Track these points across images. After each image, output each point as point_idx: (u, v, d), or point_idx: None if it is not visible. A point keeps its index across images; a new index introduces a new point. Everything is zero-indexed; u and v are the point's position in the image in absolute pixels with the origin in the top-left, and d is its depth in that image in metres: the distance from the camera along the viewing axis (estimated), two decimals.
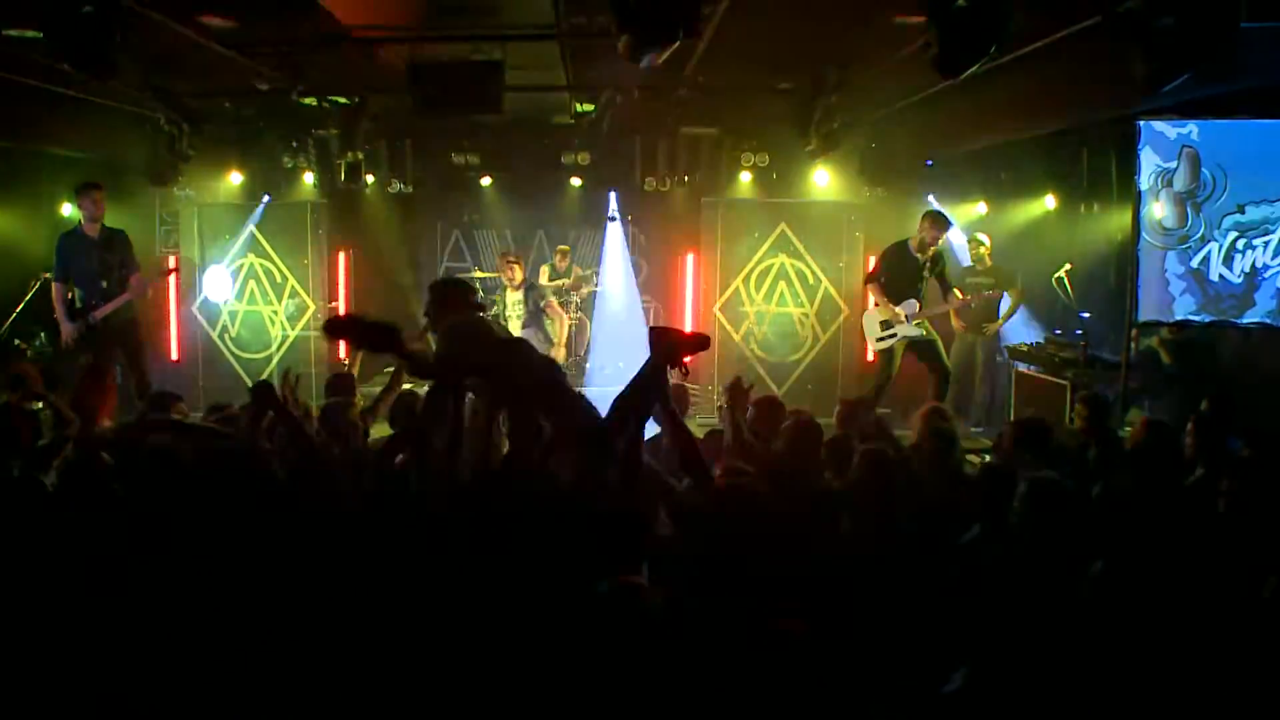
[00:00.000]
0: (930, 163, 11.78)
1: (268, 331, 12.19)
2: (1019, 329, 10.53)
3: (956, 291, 9.47)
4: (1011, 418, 9.64)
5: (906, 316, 9.14)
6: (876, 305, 9.54)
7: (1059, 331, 9.94)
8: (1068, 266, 9.06)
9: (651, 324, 4.83)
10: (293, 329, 12.11)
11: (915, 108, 9.71)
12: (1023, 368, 9.59)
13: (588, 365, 12.95)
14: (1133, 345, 8.48)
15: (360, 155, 11.24)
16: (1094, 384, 8.31)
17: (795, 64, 8.56)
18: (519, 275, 9.45)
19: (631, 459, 4.12)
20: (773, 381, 11.67)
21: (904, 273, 9.24)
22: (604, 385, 12.06)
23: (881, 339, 9.42)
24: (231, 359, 12.21)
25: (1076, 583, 4.16)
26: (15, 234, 11.31)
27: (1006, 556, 4.52)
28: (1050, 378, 9.00)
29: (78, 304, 8.81)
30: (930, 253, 9.15)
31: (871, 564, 4.81)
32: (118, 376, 8.84)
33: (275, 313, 12.18)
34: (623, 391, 4.33)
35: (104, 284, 8.77)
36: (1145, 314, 8.21)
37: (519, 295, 9.41)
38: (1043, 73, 7.36)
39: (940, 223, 9.13)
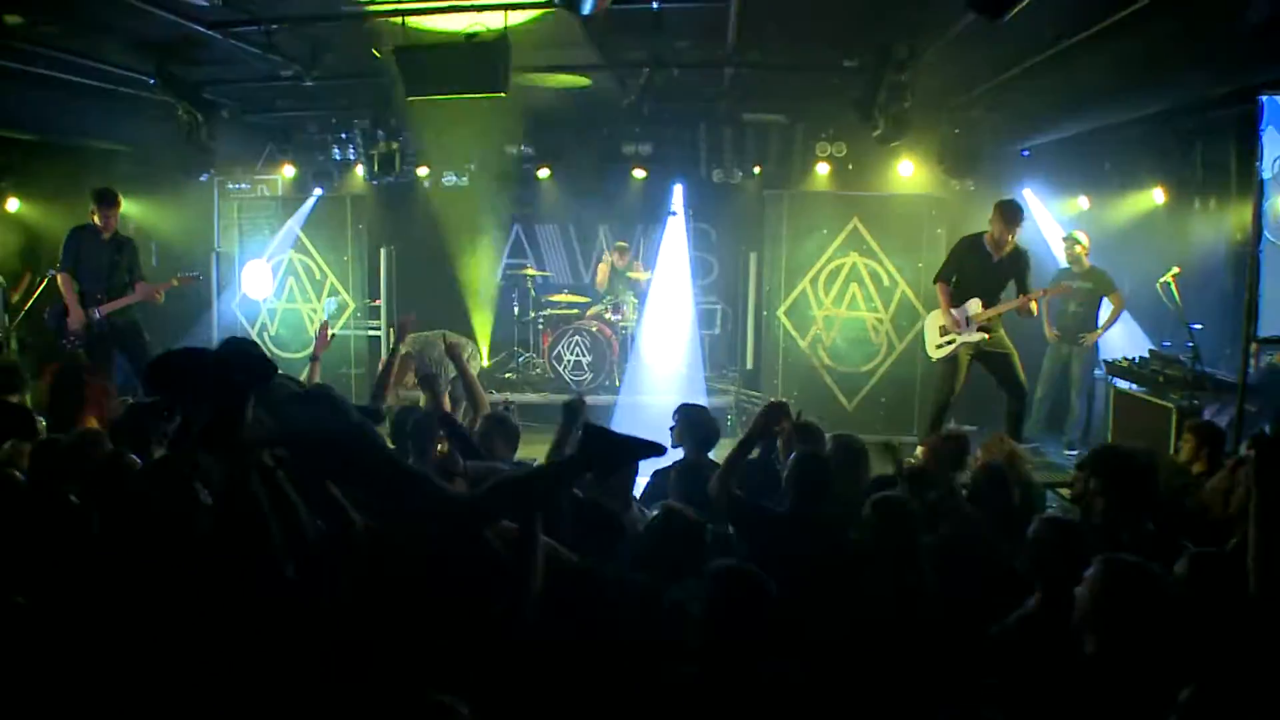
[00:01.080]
0: (1026, 152, 10.54)
1: (307, 330, 11.67)
2: (1120, 340, 9.28)
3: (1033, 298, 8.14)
4: (1110, 440, 8.45)
5: (966, 320, 7.96)
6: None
7: (1168, 344, 8.68)
8: (1175, 270, 7.80)
9: (589, 422, 3.99)
10: (333, 328, 11.51)
11: (1003, 89, 8.60)
12: (1122, 385, 8.35)
13: (624, 371, 11.92)
14: (1251, 363, 7.18)
15: (395, 145, 10.53)
16: (1204, 407, 7.10)
17: (856, 37, 7.52)
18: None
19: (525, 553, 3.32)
20: (842, 394, 10.65)
21: (974, 271, 8.03)
22: (637, 395, 11.18)
23: (939, 345, 8.25)
24: (271, 358, 11.66)
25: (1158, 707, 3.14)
26: (58, 229, 10.99)
27: (1065, 646, 3.50)
28: (1153, 399, 7.77)
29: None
30: (1007, 250, 7.90)
31: (880, 648, 3.85)
32: (115, 378, 8.43)
33: (315, 311, 11.65)
34: (522, 476, 3.58)
35: (110, 282, 8.50)
36: (1267, 327, 6.89)
37: None
38: (1145, 38, 6.22)
39: (1009, 215, 7.82)
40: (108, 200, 8.38)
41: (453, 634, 3.40)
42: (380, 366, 6.71)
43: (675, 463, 5.71)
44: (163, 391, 3.70)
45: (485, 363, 12.30)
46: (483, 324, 12.97)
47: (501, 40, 6.33)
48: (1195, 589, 3.46)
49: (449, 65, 6.53)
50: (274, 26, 6.91)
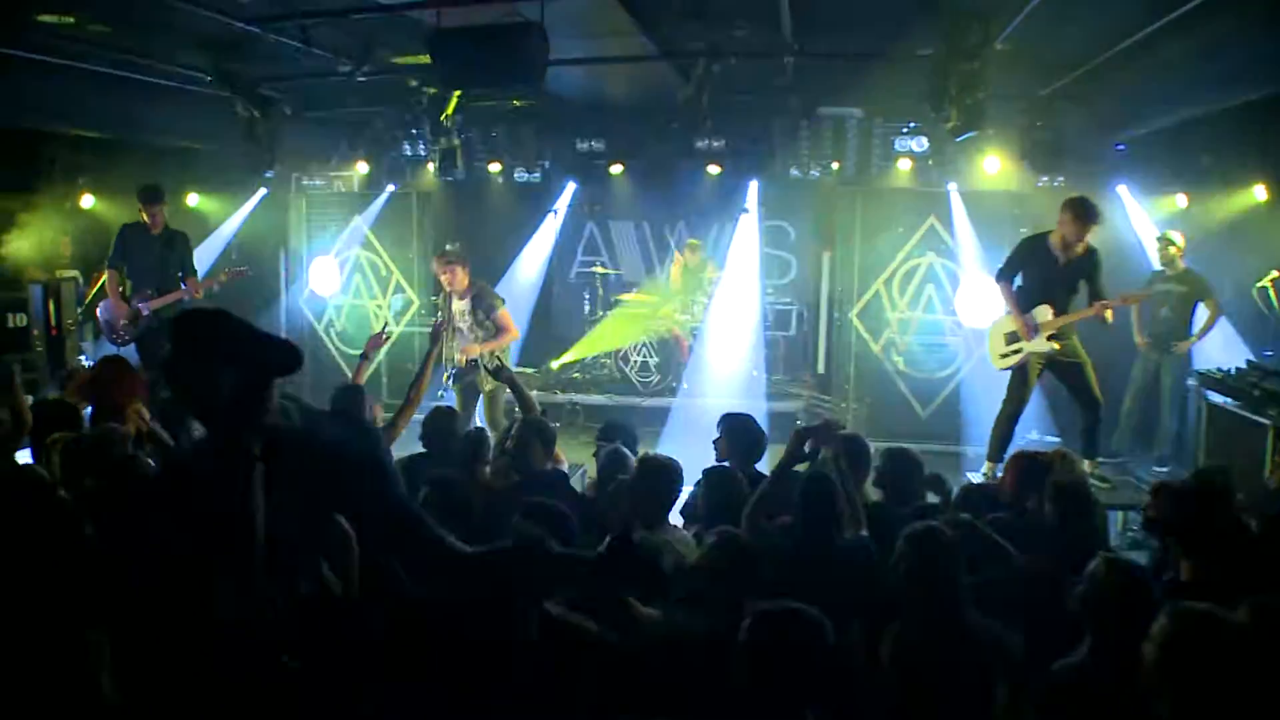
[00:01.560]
0: (1121, 146, 9.87)
1: (373, 327, 11.57)
2: (1216, 349, 8.62)
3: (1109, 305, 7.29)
4: (1201, 458, 7.82)
5: (1036, 328, 7.38)
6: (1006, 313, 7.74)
7: (1269, 354, 8.01)
8: (1275, 274, 7.16)
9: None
10: (397, 325, 11.49)
11: (1088, 78, 8.03)
12: (1215, 399, 7.70)
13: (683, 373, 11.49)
14: None
15: (457, 142, 10.36)
16: None
17: (920, 22, 7.04)
18: (461, 279, 8.05)
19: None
20: (917, 401, 10.15)
21: (1039, 275, 7.42)
22: (698, 398, 10.79)
23: (1005, 354, 7.63)
24: (336, 354, 11.70)
25: None
26: None
27: (1122, 702, 3.10)
28: (1249, 414, 7.12)
29: (127, 295, 8.59)
30: (1076, 252, 7.31)
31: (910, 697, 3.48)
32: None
33: (380, 307, 11.59)
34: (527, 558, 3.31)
35: (161, 277, 8.56)
36: None
37: (465, 304, 8.04)
38: (1239, 17, 5.69)
39: (1082, 215, 7.10)
40: (151, 197, 8.40)
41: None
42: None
43: (706, 470, 5.38)
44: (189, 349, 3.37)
45: (555, 365, 12.06)
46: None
47: (538, 29, 6.04)
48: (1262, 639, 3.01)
49: (485, 55, 6.26)
50: (309, 22, 6.73)
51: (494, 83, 6.57)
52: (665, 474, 4.71)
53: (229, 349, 3.16)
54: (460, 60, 6.46)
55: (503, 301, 8.11)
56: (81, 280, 10.79)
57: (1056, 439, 9.25)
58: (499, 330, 7.92)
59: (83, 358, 10.27)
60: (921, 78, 8.31)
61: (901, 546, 3.83)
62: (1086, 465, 7.21)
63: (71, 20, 7.22)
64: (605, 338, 11.78)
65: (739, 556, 3.70)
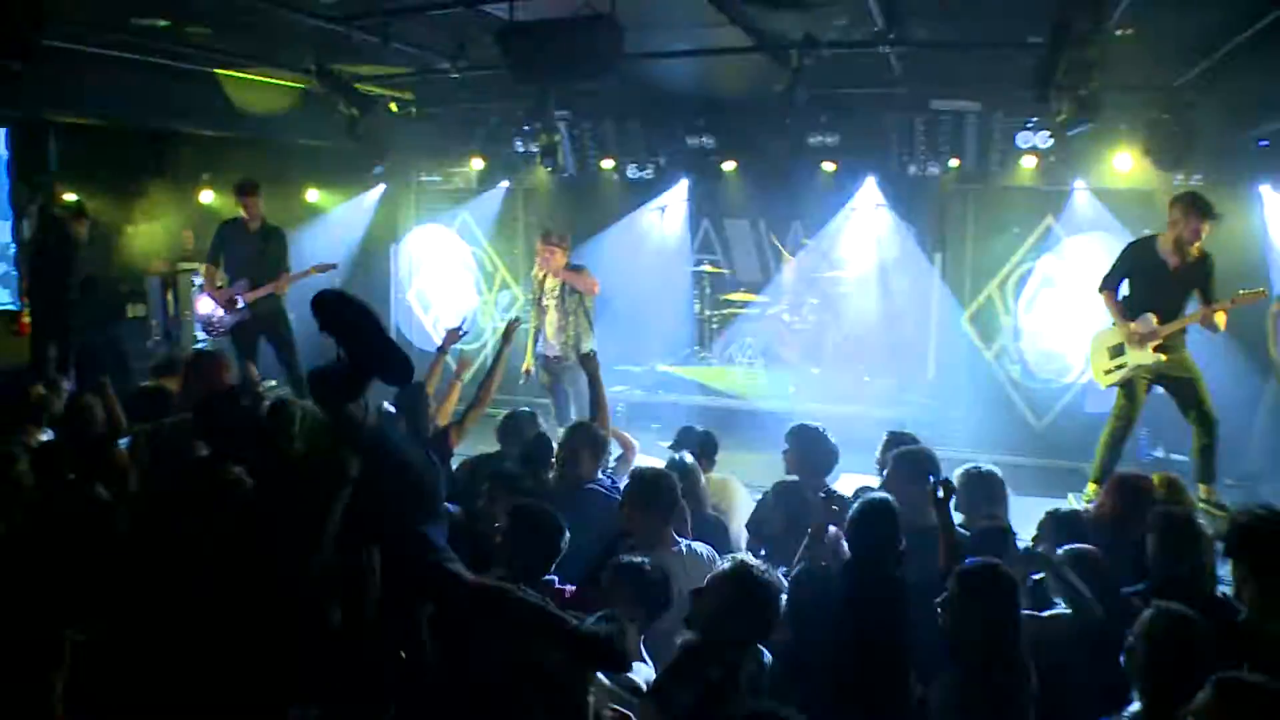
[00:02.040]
0: (1264, 142, 9.08)
1: (479, 322, 11.64)
2: None
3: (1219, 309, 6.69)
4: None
5: (1141, 337, 6.80)
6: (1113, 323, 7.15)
7: None
8: None
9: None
10: (502, 321, 11.47)
11: (1223, 65, 7.39)
12: None
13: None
14: None
15: (558, 137, 10.28)
16: None
17: (1033, 7, 6.57)
18: (559, 260, 8.17)
19: None
20: (1031, 412, 9.60)
21: (1146, 283, 6.86)
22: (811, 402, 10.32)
23: (1109, 370, 7.06)
24: None
25: None
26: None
27: None
28: None
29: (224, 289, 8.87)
30: (1191, 254, 6.72)
31: None
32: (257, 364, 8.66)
33: (487, 303, 11.65)
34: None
35: (256, 272, 8.73)
36: None
37: (557, 283, 8.16)
38: None
39: (1195, 210, 6.58)
40: (244, 190, 8.59)
41: None
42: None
43: (776, 483, 5.14)
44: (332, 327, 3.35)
45: (660, 368, 11.85)
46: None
47: (610, 21, 5.85)
48: None
49: (556, 49, 6.11)
50: (392, 19, 6.71)
51: (566, 76, 6.43)
52: (656, 488, 4.57)
53: (352, 333, 3.15)
54: (531, 54, 6.32)
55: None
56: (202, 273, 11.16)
57: (1184, 458, 8.60)
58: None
59: (198, 346, 10.63)
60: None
61: (952, 586, 3.52)
62: (1201, 490, 6.67)
63: (167, 24, 7.39)
64: (724, 379, 11.54)
65: (750, 589, 3.45)
